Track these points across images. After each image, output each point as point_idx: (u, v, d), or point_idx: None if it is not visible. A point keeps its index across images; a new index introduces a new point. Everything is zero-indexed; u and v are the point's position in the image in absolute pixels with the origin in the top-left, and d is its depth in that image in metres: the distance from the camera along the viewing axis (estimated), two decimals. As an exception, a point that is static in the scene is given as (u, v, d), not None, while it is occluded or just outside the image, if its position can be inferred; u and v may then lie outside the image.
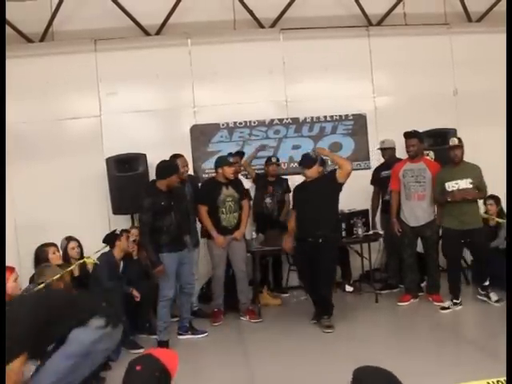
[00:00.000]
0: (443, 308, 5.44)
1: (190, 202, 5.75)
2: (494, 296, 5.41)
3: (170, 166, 5.13)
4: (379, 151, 6.56)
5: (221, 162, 5.75)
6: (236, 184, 5.81)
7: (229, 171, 5.68)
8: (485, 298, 5.47)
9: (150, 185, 5.14)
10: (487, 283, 5.46)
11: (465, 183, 5.27)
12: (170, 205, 4.97)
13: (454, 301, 5.44)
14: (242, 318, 5.75)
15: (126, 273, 5.35)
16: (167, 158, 5.57)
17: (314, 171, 5.24)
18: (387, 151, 6.40)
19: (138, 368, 2.04)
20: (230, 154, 6.24)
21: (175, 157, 5.75)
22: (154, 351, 2.45)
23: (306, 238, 5.15)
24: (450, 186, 5.32)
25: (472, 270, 6.22)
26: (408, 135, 5.81)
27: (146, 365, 2.09)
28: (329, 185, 5.18)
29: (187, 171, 5.93)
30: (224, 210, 5.66)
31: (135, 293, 5.05)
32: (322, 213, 5.11)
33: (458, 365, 3.90)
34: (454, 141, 5.39)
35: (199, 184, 6.23)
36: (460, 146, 5.36)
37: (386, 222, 6.18)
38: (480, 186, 5.32)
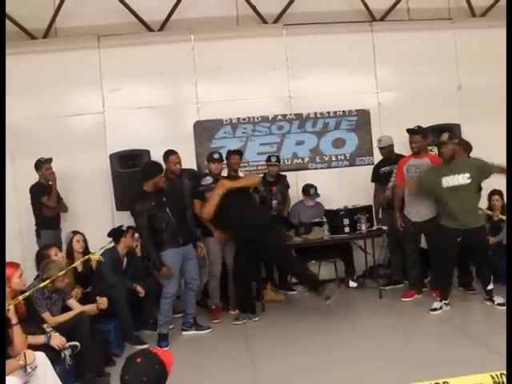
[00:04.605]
0: (433, 309, 5.26)
1: (188, 196, 5.76)
2: (497, 299, 5.19)
3: (152, 167, 5.12)
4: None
5: (207, 159, 5.89)
6: (232, 178, 5.79)
7: (213, 167, 5.71)
8: (489, 303, 5.26)
9: (139, 190, 5.09)
10: (491, 287, 5.26)
11: (462, 178, 5.12)
12: (163, 202, 4.98)
13: (444, 301, 5.31)
14: (231, 312, 5.79)
15: (129, 269, 5.37)
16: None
17: None
18: (385, 149, 6.39)
19: (138, 360, 2.07)
20: (230, 152, 6.28)
21: (168, 153, 5.70)
22: (153, 349, 2.58)
23: None
24: (448, 180, 5.16)
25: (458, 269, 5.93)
26: (411, 131, 5.79)
27: (145, 358, 2.12)
28: None
29: (180, 167, 5.76)
30: None
31: (139, 288, 5.07)
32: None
33: (460, 358, 3.89)
34: (444, 136, 5.20)
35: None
36: (447, 143, 5.14)
37: (390, 217, 6.18)
38: (485, 168, 5.10)
